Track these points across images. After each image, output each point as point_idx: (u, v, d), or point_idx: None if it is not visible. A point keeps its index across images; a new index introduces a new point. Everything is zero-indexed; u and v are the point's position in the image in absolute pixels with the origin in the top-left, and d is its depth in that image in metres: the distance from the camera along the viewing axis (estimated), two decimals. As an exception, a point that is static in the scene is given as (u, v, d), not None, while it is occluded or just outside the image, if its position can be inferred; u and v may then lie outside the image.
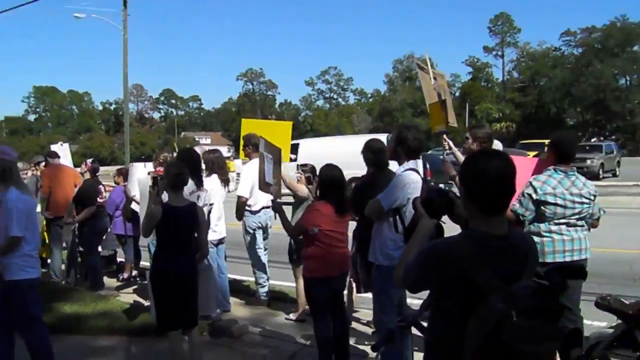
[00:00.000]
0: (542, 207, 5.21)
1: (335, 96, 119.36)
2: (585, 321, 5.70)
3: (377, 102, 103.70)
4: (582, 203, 5.31)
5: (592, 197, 5.39)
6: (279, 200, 6.31)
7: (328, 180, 5.93)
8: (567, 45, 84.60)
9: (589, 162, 32.01)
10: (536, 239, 5.16)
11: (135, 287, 9.97)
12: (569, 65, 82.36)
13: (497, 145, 6.67)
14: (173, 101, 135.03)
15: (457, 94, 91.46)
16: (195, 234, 5.88)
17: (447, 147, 6.34)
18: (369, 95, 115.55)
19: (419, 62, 7.21)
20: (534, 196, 5.19)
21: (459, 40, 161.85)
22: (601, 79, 74.36)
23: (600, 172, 33.02)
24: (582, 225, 5.38)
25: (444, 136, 6.34)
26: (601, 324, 6.12)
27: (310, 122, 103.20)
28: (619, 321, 4.87)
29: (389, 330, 3.08)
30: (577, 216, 5.31)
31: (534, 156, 7.04)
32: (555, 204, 5.22)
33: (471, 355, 2.43)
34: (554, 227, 5.26)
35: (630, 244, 11.16)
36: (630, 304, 4.89)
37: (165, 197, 5.98)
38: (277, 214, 6.18)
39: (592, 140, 55.55)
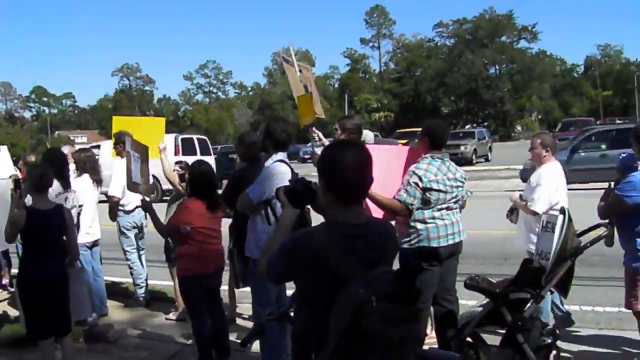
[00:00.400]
0: (427, 194, 5.31)
1: (215, 90, 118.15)
2: (461, 301, 5.92)
3: (257, 95, 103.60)
4: (458, 187, 5.51)
5: (464, 180, 5.61)
6: (148, 199, 6.17)
7: (198, 176, 5.85)
8: (440, 37, 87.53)
9: (462, 148, 33.53)
10: (421, 225, 5.32)
11: (6, 296, 9.46)
12: (443, 55, 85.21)
13: (368, 135, 6.79)
14: (45, 99, 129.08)
15: (336, 85, 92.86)
16: (64, 237, 5.65)
17: (317, 139, 6.39)
18: (249, 89, 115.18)
19: (285, 55, 7.23)
20: (421, 184, 5.27)
21: (337, 32, 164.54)
22: (473, 68, 77.46)
23: (473, 157, 34.67)
24: (456, 208, 5.58)
25: (313, 128, 6.37)
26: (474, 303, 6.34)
27: (190, 117, 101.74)
28: (487, 300, 5.09)
29: (259, 325, 3.06)
30: (454, 200, 5.49)
31: (403, 144, 7.26)
32: (439, 190, 5.34)
33: (335, 343, 2.45)
34: (436, 213, 5.39)
35: (501, 225, 11.58)
36: (497, 282, 5.11)
37: (29, 200, 5.70)
38: (147, 214, 6.04)
39: (466, 127, 57.90)
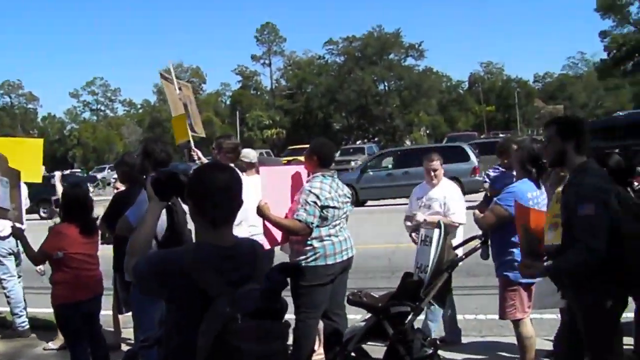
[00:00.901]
0: (325, 212, 5.36)
1: (102, 108, 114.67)
2: (350, 316, 5.98)
3: (147, 112, 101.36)
4: (347, 203, 5.62)
5: (350, 197, 5.73)
6: (19, 225, 5.91)
7: (71, 199, 5.65)
8: (331, 54, 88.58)
9: (353, 163, 34.16)
10: (318, 243, 5.36)
11: None
12: (333, 72, 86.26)
13: (251, 154, 6.78)
14: None
15: (227, 102, 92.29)
16: None
17: (196, 158, 6.34)
18: (139, 106, 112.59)
19: (163, 72, 7.14)
20: (319, 202, 5.31)
21: (228, 49, 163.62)
22: (362, 85, 78.92)
23: (364, 172, 35.25)
24: (346, 224, 5.69)
25: (193, 147, 6.32)
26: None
27: (76, 136, 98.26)
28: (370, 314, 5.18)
29: (131, 351, 2.98)
30: (344, 216, 5.60)
31: (286, 163, 7.30)
32: (334, 207, 5.42)
33: None
34: (332, 230, 5.46)
35: (388, 238, 11.89)
36: (379, 297, 5.20)
37: None
38: (18, 241, 5.78)
39: (357, 142, 58.90)
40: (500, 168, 6.35)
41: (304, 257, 5.38)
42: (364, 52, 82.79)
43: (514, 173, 5.64)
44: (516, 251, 5.03)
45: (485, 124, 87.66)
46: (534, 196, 5.08)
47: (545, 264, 4.15)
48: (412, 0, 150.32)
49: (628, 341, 5.98)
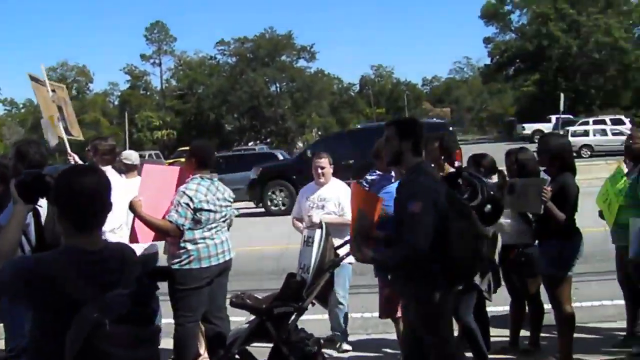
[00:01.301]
0: (198, 214, 5.33)
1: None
2: (233, 318, 5.93)
3: (30, 112, 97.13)
4: (227, 206, 5.60)
5: (232, 200, 5.73)
6: None
7: None
8: (222, 55, 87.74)
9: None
10: (191, 246, 5.32)
11: None
12: (225, 73, 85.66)
13: (132, 155, 6.63)
14: None
15: (116, 102, 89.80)
16: None
17: (72, 162, 6.14)
18: (21, 106, 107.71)
19: (33, 74, 6.83)
20: (192, 204, 5.27)
21: (116, 48, 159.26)
22: (254, 86, 78.71)
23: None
24: (225, 227, 5.65)
25: (68, 150, 6.12)
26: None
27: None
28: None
29: (-3, 362, 2.83)
30: (223, 219, 5.58)
31: (170, 164, 7.13)
32: (209, 210, 5.40)
33: None
34: (207, 233, 5.43)
35: (277, 240, 11.92)
36: (263, 298, 5.17)
37: None
38: None
39: (249, 144, 58.72)
40: (377, 172, 6.46)
41: (178, 260, 5.34)
42: (255, 54, 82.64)
43: (392, 175, 5.77)
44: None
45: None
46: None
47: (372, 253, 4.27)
48: (303, 2, 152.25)
49: (504, 333, 6.29)
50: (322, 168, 6.64)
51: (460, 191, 4.54)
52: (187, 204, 5.26)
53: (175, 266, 5.32)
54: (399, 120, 4.69)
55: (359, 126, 30.69)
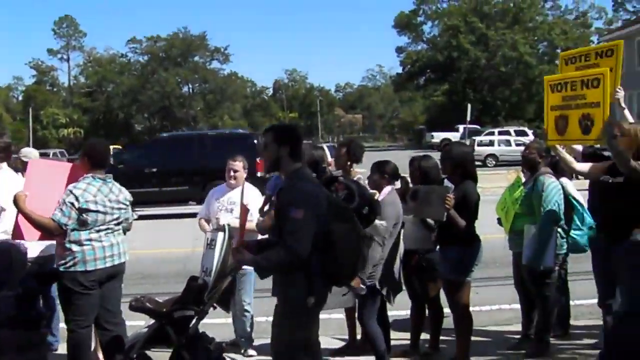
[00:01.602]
0: (84, 215, 5.11)
1: None
2: (132, 322, 5.78)
3: None
4: (120, 209, 5.42)
5: (128, 203, 5.55)
6: None
7: None
8: (134, 53, 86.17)
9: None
10: (76, 247, 5.11)
11: None
12: (136, 72, 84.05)
13: (32, 153, 6.42)
14: None
15: (20, 97, 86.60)
16: None
17: None
18: None
19: None
20: (77, 204, 5.06)
21: (22, 41, 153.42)
22: (166, 86, 77.70)
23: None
24: (119, 230, 5.47)
25: None
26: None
27: None
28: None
29: None
30: (115, 222, 5.38)
31: (68, 160, 6.90)
32: (97, 211, 5.19)
33: None
34: (94, 235, 5.22)
35: (183, 243, 11.75)
36: (163, 302, 5.07)
37: None
38: None
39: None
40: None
41: (63, 261, 5.12)
42: (168, 53, 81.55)
43: None
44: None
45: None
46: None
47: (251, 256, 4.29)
48: (218, 4, 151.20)
49: (405, 336, 6.39)
50: (235, 171, 6.53)
51: (337, 195, 4.58)
52: (72, 204, 5.05)
53: (61, 268, 5.10)
54: (276, 126, 4.70)
55: (164, 135, 30.43)
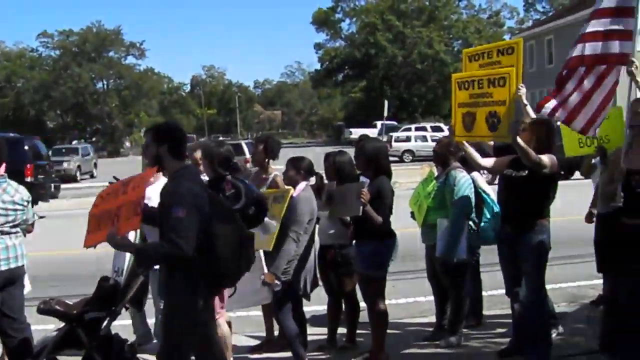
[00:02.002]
0: None
1: None
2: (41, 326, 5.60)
3: None
4: (16, 210, 5.19)
5: (26, 203, 5.32)
6: None
7: None
8: (45, 47, 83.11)
9: (65, 164, 32.46)
10: None
11: None
12: (47, 67, 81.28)
13: None
14: None
15: None
16: None
17: None
18: None
19: None
20: None
21: None
22: (79, 82, 75.39)
23: (78, 174, 33.87)
24: (17, 232, 5.26)
25: None
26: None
27: None
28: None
29: None
30: (10, 224, 5.16)
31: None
32: None
33: None
34: None
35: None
36: (73, 304, 4.94)
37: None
38: None
39: (73, 142, 56.01)
40: None
41: None
42: (81, 48, 79.12)
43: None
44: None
45: (207, 127, 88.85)
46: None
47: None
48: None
49: (322, 331, 6.43)
50: None
51: (224, 194, 4.59)
52: None
53: None
54: (156, 125, 4.62)
55: None
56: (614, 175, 5.12)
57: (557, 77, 5.54)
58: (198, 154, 5.81)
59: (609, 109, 5.49)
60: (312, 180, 6.07)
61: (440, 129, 41.26)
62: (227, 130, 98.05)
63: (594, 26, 5.24)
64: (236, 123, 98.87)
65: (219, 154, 5.24)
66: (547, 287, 5.70)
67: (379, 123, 44.20)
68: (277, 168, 6.44)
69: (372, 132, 46.06)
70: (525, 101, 5.54)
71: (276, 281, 5.40)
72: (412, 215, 6.48)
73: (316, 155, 6.67)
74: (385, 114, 20.78)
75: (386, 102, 21.57)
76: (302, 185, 5.75)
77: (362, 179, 5.98)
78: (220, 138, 56.64)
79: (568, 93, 5.41)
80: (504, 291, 5.96)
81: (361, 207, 5.49)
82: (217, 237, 4.04)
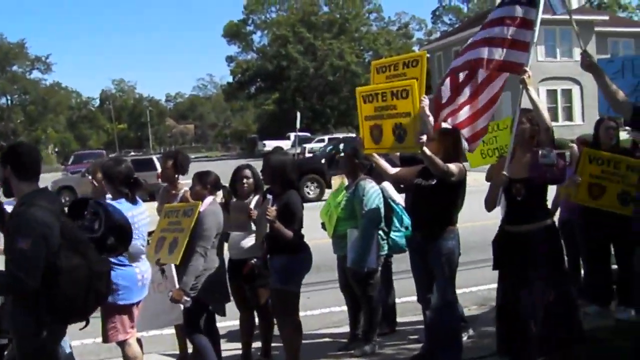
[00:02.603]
0: None
1: None
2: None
3: None
4: None
5: None
6: None
7: None
8: (-56, 62, 79.68)
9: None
10: None
11: None
12: (-53, 82, 77.93)
13: None
14: None
15: None
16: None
17: None
18: None
19: None
20: None
21: None
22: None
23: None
24: None
25: None
26: None
27: None
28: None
29: None
30: None
31: None
32: None
33: None
34: None
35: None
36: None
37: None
38: None
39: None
40: None
41: None
42: (-17, 63, 76.27)
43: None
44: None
45: (118, 142, 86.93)
46: (134, 214, 5.07)
47: None
48: (38, 10, 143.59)
49: (237, 346, 6.38)
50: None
51: (84, 221, 4.19)
52: None
53: None
54: (3, 147, 4.42)
55: None
56: (496, 182, 5.28)
57: (450, 82, 5.77)
58: (99, 175, 5.70)
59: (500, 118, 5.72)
60: (220, 194, 6.04)
61: (353, 140, 41.72)
62: (138, 145, 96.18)
63: (496, 33, 5.46)
64: (148, 137, 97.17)
65: (118, 173, 5.14)
66: (458, 291, 5.82)
67: (292, 135, 44.46)
68: (186, 183, 6.37)
69: (285, 144, 46.34)
70: (428, 112, 5.67)
71: (185, 297, 5.32)
72: (323, 225, 6.51)
73: (229, 168, 6.62)
74: (298, 125, 20.95)
75: (298, 114, 21.73)
76: (208, 199, 5.71)
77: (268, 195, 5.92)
78: (132, 153, 55.62)
79: (462, 101, 5.66)
80: (416, 298, 6.06)
81: (267, 225, 5.48)
82: (62, 271, 3.72)
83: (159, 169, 22.79)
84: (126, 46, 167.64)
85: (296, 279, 5.71)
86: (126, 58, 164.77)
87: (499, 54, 5.42)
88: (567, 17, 5.52)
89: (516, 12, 5.44)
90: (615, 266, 6.85)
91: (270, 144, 50.63)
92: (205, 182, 5.78)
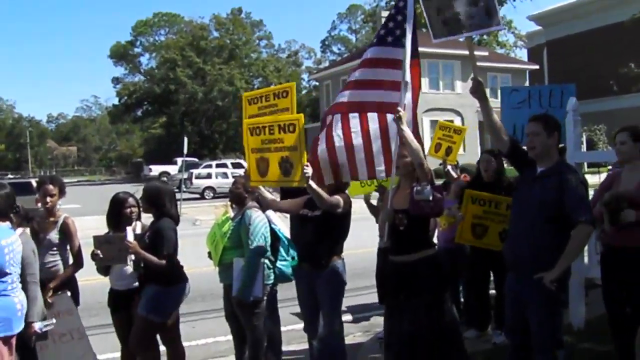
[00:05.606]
0: None
1: None
2: None
3: None
4: None
5: None
6: None
7: None
8: None
9: None
10: None
11: None
12: None
13: None
14: None
15: None
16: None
17: None
18: None
19: None
20: None
21: None
22: None
23: None
24: None
25: None
26: None
27: None
28: None
29: None
30: None
31: None
32: None
33: None
34: None
35: None
36: None
37: None
38: None
39: None
40: None
41: None
42: None
43: None
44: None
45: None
46: (8, 243, 4.80)
47: None
48: None
49: None
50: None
51: None
52: None
53: None
54: None
55: None
56: (382, 216, 5.41)
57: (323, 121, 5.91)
58: None
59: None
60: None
61: (241, 166, 41.57)
62: (17, 167, 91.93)
63: (370, 75, 5.61)
64: (27, 159, 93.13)
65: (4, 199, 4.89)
66: (343, 318, 5.90)
67: (179, 160, 43.81)
68: (65, 208, 6.14)
69: (172, 169, 45.64)
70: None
71: (36, 329, 5.07)
72: (209, 254, 6.44)
73: (113, 192, 6.42)
74: (185, 150, 20.74)
75: (186, 139, 21.52)
76: (19, 230, 5.18)
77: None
78: (9, 175, 53.05)
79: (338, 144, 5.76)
80: (302, 326, 6.09)
81: (127, 257, 5.46)
82: None
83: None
84: (4, 64, 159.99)
85: (162, 310, 5.64)
86: (4, 76, 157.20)
87: (374, 96, 5.57)
88: (451, 51, 5.76)
89: (384, 53, 5.59)
90: (493, 291, 7.13)
91: (156, 169, 49.73)
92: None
